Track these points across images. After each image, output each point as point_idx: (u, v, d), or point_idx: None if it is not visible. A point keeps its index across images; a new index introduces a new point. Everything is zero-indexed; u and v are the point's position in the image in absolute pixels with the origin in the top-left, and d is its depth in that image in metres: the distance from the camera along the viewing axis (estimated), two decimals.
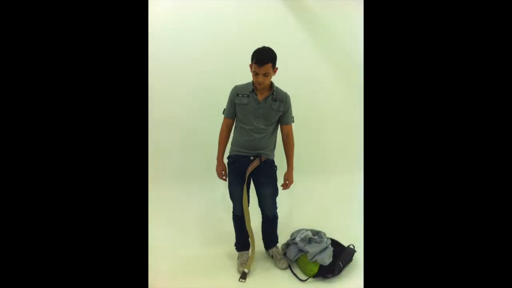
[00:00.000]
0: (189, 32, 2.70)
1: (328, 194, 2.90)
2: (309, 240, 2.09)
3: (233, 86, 1.99)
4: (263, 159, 1.98)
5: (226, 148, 2.09)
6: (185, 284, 1.91)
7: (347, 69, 2.87)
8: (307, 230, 2.19)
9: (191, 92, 2.78)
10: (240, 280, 1.95)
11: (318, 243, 2.07)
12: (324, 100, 2.90)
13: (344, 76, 2.91)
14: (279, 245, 2.25)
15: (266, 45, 1.85)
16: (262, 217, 2.15)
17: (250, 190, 2.06)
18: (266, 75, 1.82)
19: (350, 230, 2.43)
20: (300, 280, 1.96)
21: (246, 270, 1.99)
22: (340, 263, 1.99)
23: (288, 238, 2.22)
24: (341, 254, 2.04)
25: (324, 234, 2.18)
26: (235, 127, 2.05)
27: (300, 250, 2.07)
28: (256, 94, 1.92)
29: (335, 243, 2.18)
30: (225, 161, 2.08)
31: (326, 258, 1.97)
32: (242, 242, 2.16)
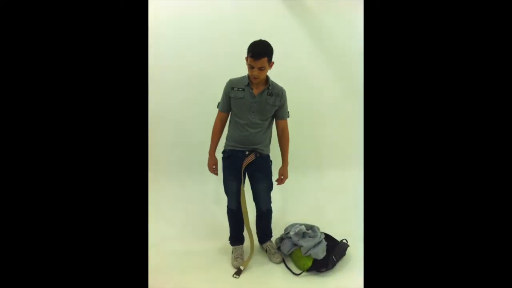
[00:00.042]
0: (187, 30, 2.66)
1: (322, 189, 2.92)
2: (303, 235, 2.10)
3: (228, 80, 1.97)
4: (258, 154, 1.97)
5: (221, 143, 2.08)
6: (178, 279, 1.90)
7: (346, 68, 2.88)
8: (301, 224, 2.20)
9: (185, 85, 2.74)
10: (234, 276, 1.95)
11: (312, 237, 2.09)
12: (321, 97, 2.91)
13: (342, 74, 2.92)
14: (273, 239, 2.26)
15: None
16: (257, 212, 2.15)
17: (245, 185, 2.05)
18: (262, 69, 1.79)
19: (344, 224, 2.46)
20: (294, 274, 1.97)
21: (242, 268, 1.99)
22: (333, 257, 2.01)
23: (282, 232, 2.23)
24: (335, 249, 2.06)
25: (318, 229, 2.20)
26: (230, 121, 2.04)
27: (294, 244, 2.08)
28: (251, 88, 1.90)
29: (328, 238, 2.19)
30: (219, 156, 2.06)
31: (320, 252, 1.98)
32: (236, 236, 2.16)
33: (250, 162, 1.96)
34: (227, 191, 2.06)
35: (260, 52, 1.76)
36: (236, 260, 2.05)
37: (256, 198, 2.08)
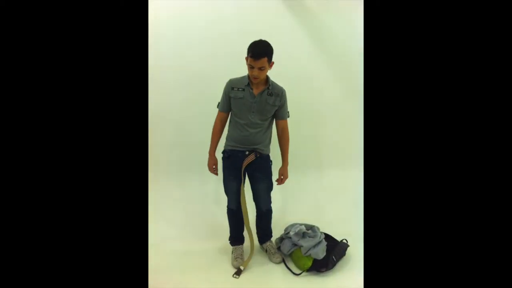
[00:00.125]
0: (187, 30, 2.67)
1: (322, 189, 2.92)
2: (303, 235, 2.10)
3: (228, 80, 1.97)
4: (258, 154, 1.97)
5: (221, 143, 2.08)
6: (178, 279, 1.90)
7: (346, 68, 2.88)
8: (301, 224, 2.20)
9: (185, 85, 2.74)
10: (234, 276, 1.95)
11: (312, 237, 2.09)
12: (321, 97, 2.91)
13: (342, 74, 2.92)
14: (273, 239, 2.26)
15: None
16: (257, 212, 2.15)
17: (244, 185, 2.05)
18: (262, 69, 1.79)
19: (344, 224, 2.46)
20: (294, 274, 1.97)
21: (242, 268, 1.99)
22: (333, 257, 2.01)
23: (282, 232, 2.23)
24: (335, 249, 2.06)
25: (318, 229, 2.20)
26: (230, 121, 2.03)
27: (294, 244, 2.08)
28: (251, 88, 1.90)
29: (328, 238, 2.19)
30: (219, 155, 2.06)
31: (320, 252, 1.98)
32: (236, 236, 2.16)
33: (250, 162, 1.96)
34: (227, 191, 2.06)
35: (260, 52, 1.76)
36: (236, 260, 2.05)
37: (256, 198, 2.08)
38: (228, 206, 2.09)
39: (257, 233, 2.24)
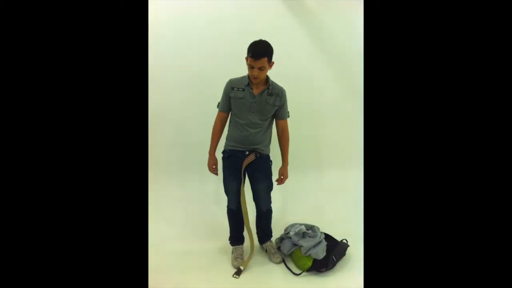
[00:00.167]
0: (187, 29, 2.67)
1: (322, 189, 2.92)
2: (303, 235, 2.10)
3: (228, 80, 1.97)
4: (258, 154, 1.97)
5: (221, 143, 2.08)
6: (178, 279, 1.90)
7: (346, 68, 2.88)
8: (301, 224, 2.20)
9: (185, 85, 2.74)
10: (234, 276, 1.95)
11: (312, 237, 2.09)
12: (321, 97, 2.91)
13: (342, 74, 2.92)
14: (273, 239, 2.26)
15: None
16: (257, 212, 2.15)
17: (244, 185, 2.05)
18: (262, 69, 1.79)
19: (344, 224, 2.46)
20: (294, 274, 1.97)
21: (242, 268, 1.99)
22: (333, 257, 2.01)
23: (282, 232, 2.23)
24: (335, 249, 2.06)
25: (318, 229, 2.19)
26: (229, 121, 2.03)
27: (294, 244, 2.08)
28: (251, 88, 1.90)
29: (328, 238, 2.19)
30: (219, 156, 2.06)
31: (320, 252, 1.98)
32: (236, 236, 2.16)
33: (250, 162, 1.96)
34: (227, 191, 2.06)
35: (260, 52, 1.76)
36: (236, 260, 2.05)
37: (256, 198, 2.08)
38: (228, 206, 2.09)
39: (257, 233, 2.24)
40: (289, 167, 2.11)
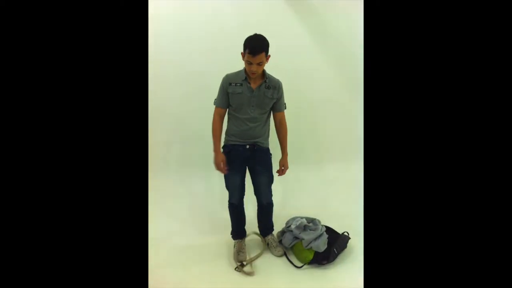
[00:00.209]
0: (187, 25, 2.67)
1: (322, 183, 2.92)
2: (304, 228, 2.11)
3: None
4: (256, 147, 1.98)
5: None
6: (180, 273, 1.93)
7: (346, 61, 2.87)
8: (302, 217, 2.20)
9: (184, 80, 2.75)
10: (236, 269, 1.97)
11: (313, 230, 2.10)
12: (321, 91, 2.90)
13: (342, 68, 2.91)
14: (275, 232, 2.27)
15: None
16: (258, 205, 2.16)
17: (245, 178, 2.06)
18: (260, 64, 1.79)
19: (345, 217, 2.46)
20: (296, 267, 1.99)
21: (244, 262, 2.00)
22: (335, 249, 2.01)
23: (284, 225, 2.24)
24: (336, 241, 2.06)
25: (319, 222, 2.20)
26: (228, 116, 2.04)
27: (296, 237, 2.09)
28: (249, 83, 1.90)
29: (329, 230, 2.20)
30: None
31: (321, 245, 1.99)
32: (238, 230, 2.17)
33: (250, 156, 1.97)
34: (228, 186, 2.07)
35: (257, 48, 1.75)
36: (238, 254, 2.07)
37: (257, 192, 2.09)
38: (229, 201, 2.10)
39: (259, 226, 2.25)
40: (289, 161, 2.11)
